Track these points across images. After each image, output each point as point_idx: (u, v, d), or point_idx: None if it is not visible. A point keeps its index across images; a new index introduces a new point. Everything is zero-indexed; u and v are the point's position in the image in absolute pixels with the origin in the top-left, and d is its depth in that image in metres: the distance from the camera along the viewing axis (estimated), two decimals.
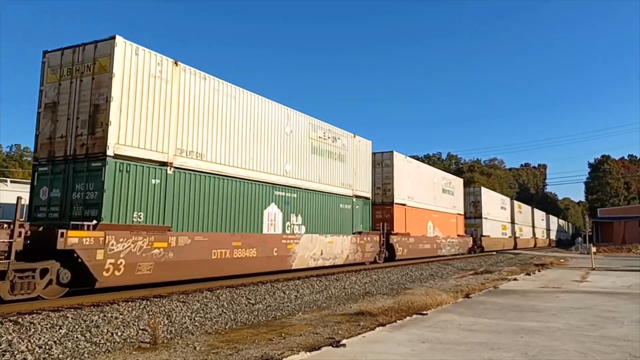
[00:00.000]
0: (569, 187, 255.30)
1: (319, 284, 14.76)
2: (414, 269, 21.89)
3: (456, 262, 27.58)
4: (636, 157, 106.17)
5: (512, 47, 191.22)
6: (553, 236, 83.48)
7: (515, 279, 17.80)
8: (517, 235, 52.62)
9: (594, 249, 27.92)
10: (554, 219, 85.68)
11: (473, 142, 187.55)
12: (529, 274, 20.14)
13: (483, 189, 42.74)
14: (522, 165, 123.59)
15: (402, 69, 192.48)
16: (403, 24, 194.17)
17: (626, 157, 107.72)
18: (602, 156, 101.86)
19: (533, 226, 63.92)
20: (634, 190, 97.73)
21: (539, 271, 22.16)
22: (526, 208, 62.13)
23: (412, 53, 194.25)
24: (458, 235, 33.77)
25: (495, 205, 45.08)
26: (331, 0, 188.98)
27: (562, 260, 30.64)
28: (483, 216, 40.29)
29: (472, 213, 39.82)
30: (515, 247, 49.99)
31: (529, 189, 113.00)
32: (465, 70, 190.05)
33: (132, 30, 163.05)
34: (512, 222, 51.27)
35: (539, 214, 71.01)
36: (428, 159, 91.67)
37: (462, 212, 36.06)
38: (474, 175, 78.44)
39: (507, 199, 52.82)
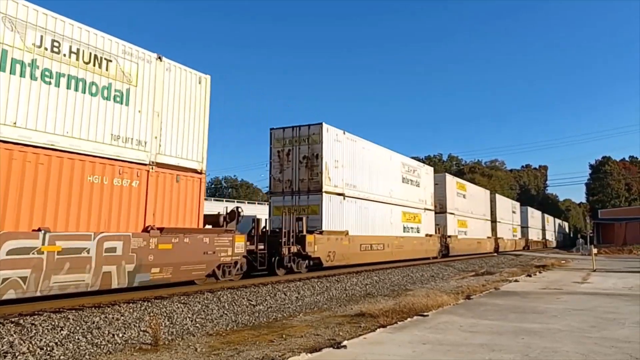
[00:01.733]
0: (570, 189, 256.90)
1: (319, 285, 14.77)
2: (414, 270, 21.87)
3: (457, 264, 27.55)
4: (637, 158, 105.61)
5: (512, 47, 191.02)
6: (535, 236, 65.29)
7: (516, 281, 17.79)
8: (450, 232, 32.74)
9: (595, 251, 27.90)
10: (536, 213, 66.92)
11: (474, 143, 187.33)
12: (530, 276, 20.13)
13: (328, 127, 19.09)
14: (523, 166, 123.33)
15: (402, 69, 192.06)
16: (403, 24, 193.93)
17: (627, 158, 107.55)
18: (603, 157, 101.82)
19: (494, 221, 44.85)
20: (635, 192, 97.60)
21: (540, 272, 22.14)
22: (476, 190, 40.88)
23: (412, 53, 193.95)
24: (139, 229, 10.85)
25: (382, 169, 23.32)
26: (331, 0, 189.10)
27: (563, 262, 30.63)
28: (325, 189, 18.49)
29: (305, 183, 18.66)
30: (445, 254, 31.38)
31: (530, 191, 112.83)
32: (465, 70, 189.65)
33: (132, 30, 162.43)
34: (442, 212, 32.14)
35: (505, 204, 51.04)
36: (429, 160, 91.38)
37: (200, 168, 12.82)
38: (475, 177, 78.10)
39: (428, 168, 30.84)
